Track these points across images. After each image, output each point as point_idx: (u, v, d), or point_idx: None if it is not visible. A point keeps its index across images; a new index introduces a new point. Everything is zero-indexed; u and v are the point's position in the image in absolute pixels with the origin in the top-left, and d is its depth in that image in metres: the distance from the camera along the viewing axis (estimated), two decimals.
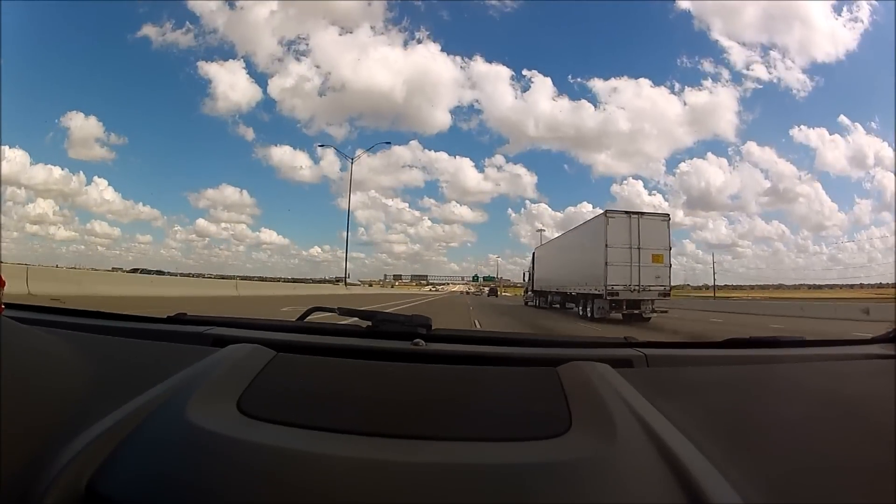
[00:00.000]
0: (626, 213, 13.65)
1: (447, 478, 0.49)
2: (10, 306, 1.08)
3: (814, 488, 0.50)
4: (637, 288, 13.18)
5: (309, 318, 1.20)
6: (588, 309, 13.92)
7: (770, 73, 58.56)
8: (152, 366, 0.75)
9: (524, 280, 27.84)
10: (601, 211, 13.59)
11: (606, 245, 13.28)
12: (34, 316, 1.05)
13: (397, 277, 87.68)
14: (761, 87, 60.14)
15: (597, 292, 13.29)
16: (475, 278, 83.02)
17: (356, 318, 1.10)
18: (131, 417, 0.57)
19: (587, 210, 73.80)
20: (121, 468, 0.51)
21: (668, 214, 14.19)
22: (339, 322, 1.13)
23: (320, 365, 0.81)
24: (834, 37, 57.44)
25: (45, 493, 0.47)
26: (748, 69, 58.90)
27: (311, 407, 0.64)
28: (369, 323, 1.04)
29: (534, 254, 25.33)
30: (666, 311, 13.03)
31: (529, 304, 25.65)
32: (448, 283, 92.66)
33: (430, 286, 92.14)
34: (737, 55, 60.55)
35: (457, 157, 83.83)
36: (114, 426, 0.56)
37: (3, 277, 1.08)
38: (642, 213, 13.71)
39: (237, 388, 0.66)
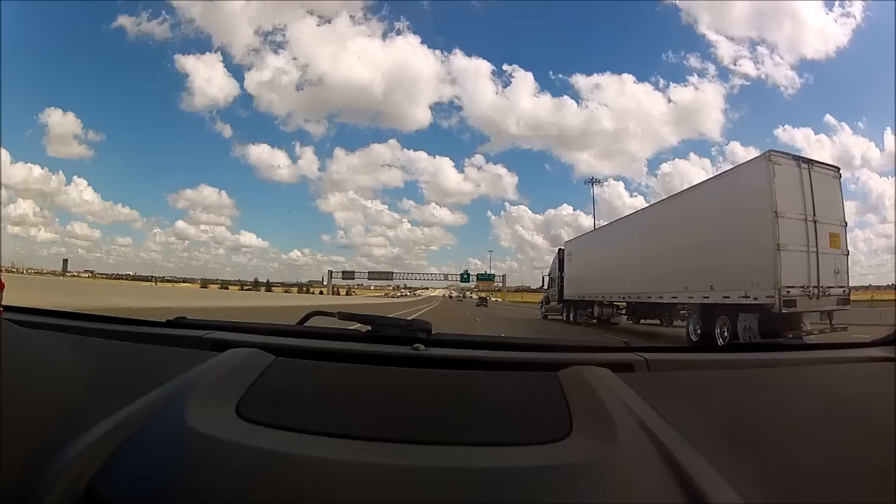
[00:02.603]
0: (795, 158, 8.84)
1: (448, 482, 0.54)
2: (9, 309, 1.19)
3: (815, 492, 0.55)
4: (817, 291, 8.04)
5: (309, 322, 1.27)
6: (723, 328, 8.85)
7: (758, 69, 59.50)
8: (152, 369, 0.82)
9: (544, 286, 22.59)
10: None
11: (776, 213, 8.03)
12: (34, 319, 1.15)
13: (349, 276, 70.74)
14: (749, 83, 62.56)
15: (747, 301, 8.37)
16: (464, 277, 69.97)
17: (356, 323, 1.18)
18: (130, 421, 0.62)
19: (567, 213, 69.05)
20: (120, 471, 0.55)
21: (839, 167, 9.29)
22: (339, 326, 1.19)
23: (320, 369, 0.87)
24: (824, 33, 56.12)
25: (44, 496, 0.51)
26: (735, 64, 57.45)
27: (310, 411, 0.70)
28: (369, 327, 1.10)
29: (561, 251, 20.00)
30: (845, 328, 8.30)
31: (551, 317, 20.77)
32: (427, 288, 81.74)
33: (405, 290, 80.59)
34: (724, 50, 59.04)
35: (436, 156, 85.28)
36: (113, 429, 0.60)
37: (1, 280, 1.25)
38: (812, 162, 8.78)
39: (236, 393, 0.72)
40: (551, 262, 20.98)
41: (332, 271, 68.84)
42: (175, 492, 0.52)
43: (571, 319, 17.54)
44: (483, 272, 71.32)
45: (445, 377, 0.85)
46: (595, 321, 15.59)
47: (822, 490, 0.55)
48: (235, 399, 0.69)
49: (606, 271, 14.59)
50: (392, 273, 72.53)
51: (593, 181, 41.91)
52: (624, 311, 14.37)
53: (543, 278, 22.15)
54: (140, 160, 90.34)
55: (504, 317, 23.40)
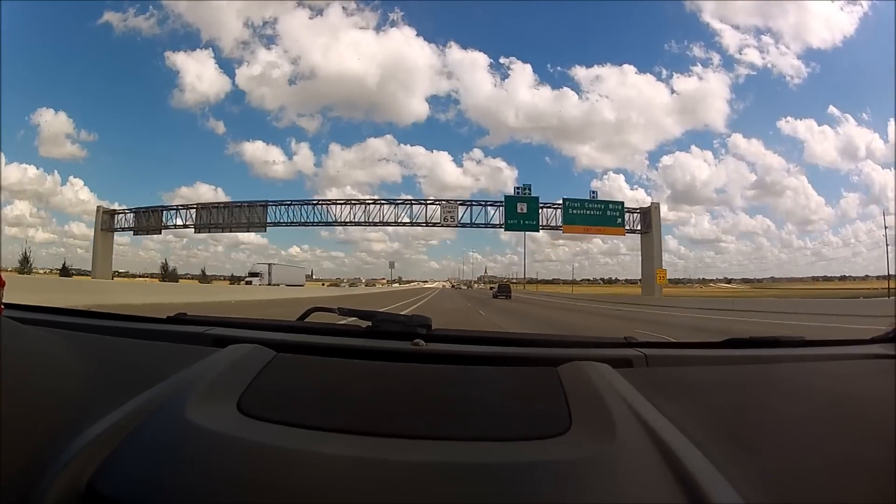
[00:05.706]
0: None
1: (447, 477, 0.55)
2: (9, 306, 1.17)
3: (814, 488, 0.56)
4: None
5: (309, 317, 1.28)
6: None
7: (763, 58, 58.25)
8: (152, 366, 0.83)
9: None
10: None
11: None
12: (34, 316, 1.16)
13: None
14: (755, 73, 62.52)
15: None
16: (518, 206, 32.22)
17: (356, 318, 1.19)
18: (132, 417, 0.63)
19: None
20: (121, 468, 0.56)
21: None
22: (339, 322, 1.21)
23: (320, 365, 0.88)
24: (829, 22, 60.10)
25: (45, 493, 0.52)
26: (741, 54, 62.46)
27: (310, 407, 0.71)
28: (369, 323, 1.11)
29: None
30: None
31: None
32: (426, 281, 75.60)
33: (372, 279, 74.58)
34: (729, 39, 59.87)
35: (434, 150, 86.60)
36: (114, 426, 0.61)
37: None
38: None
39: (237, 388, 0.73)
40: None
41: (103, 209, 32.83)
42: (177, 487, 0.52)
43: None
44: (593, 195, 32.54)
45: (446, 372, 0.86)
46: None
47: (820, 487, 0.56)
48: (237, 394, 0.69)
49: None
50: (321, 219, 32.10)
51: None
52: None
53: None
54: (134, 159, 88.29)
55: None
